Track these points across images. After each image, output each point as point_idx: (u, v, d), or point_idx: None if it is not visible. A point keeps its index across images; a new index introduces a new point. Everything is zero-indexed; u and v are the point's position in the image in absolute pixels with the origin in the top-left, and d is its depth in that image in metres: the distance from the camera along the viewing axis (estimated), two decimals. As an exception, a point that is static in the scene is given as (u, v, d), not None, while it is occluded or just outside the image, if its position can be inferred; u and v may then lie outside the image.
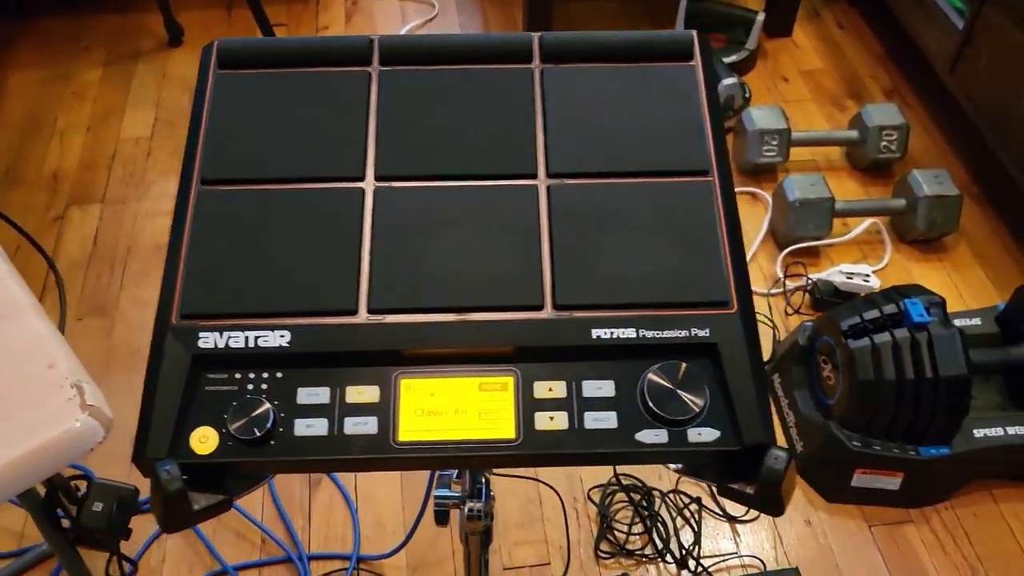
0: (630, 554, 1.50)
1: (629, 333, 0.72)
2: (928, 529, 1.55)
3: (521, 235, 0.76)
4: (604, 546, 1.51)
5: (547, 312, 0.73)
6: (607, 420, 0.71)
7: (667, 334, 0.72)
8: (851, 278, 1.82)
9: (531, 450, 0.70)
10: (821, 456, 1.57)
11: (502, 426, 0.70)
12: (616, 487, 1.57)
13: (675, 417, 0.70)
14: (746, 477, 0.71)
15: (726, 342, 0.72)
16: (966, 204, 2.00)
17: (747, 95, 2.22)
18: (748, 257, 1.91)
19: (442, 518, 0.93)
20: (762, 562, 1.50)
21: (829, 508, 1.58)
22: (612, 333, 0.72)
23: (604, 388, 0.72)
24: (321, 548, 1.50)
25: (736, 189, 2.12)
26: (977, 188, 2.12)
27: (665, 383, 0.71)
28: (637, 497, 1.56)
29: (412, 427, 0.70)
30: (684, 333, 0.72)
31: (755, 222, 2.02)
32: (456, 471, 0.93)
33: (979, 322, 1.72)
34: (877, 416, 1.51)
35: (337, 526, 1.53)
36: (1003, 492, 1.60)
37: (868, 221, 1.97)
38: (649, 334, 0.72)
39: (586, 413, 0.71)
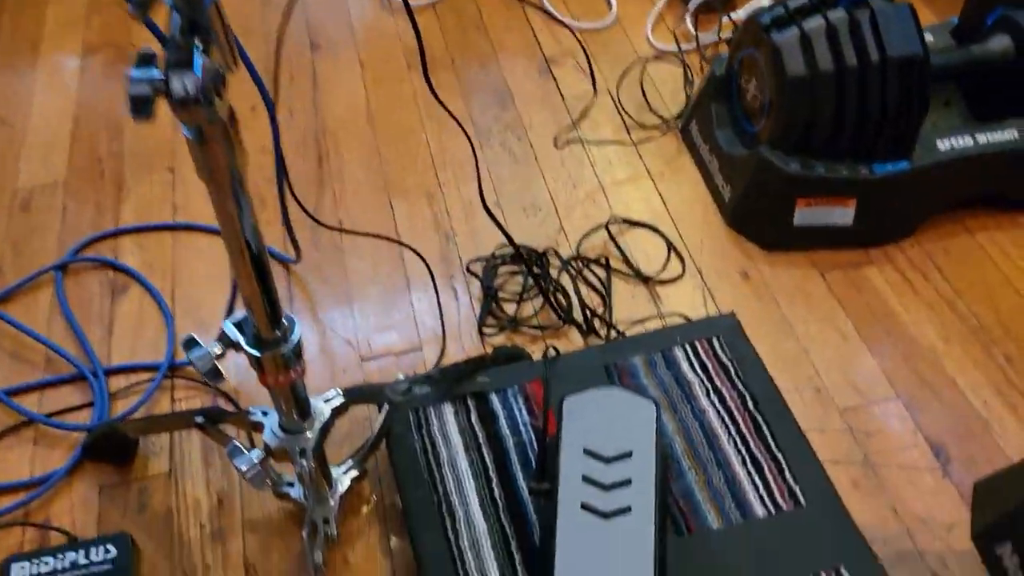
0: (520, 326, 1.18)
1: None
2: (892, 268, 1.25)
3: None
4: (491, 322, 1.19)
5: None
6: None
7: None
8: (775, 10, 1.51)
9: None
10: (753, 191, 1.26)
11: None
12: (499, 261, 1.24)
13: None
14: None
15: None
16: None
17: None
18: (650, 24, 1.61)
19: (141, 107, 0.59)
20: (689, 320, 1.19)
21: (770, 259, 1.27)
22: None
23: None
24: (126, 360, 1.16)
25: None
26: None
27: None
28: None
29: None
30: None
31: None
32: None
33: (931, 38, 1.42)
34: (816, 126, 1.20)
35: (147, 336, 1.19)
36: (978, 221, 1.30)
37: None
38: None
39: None
